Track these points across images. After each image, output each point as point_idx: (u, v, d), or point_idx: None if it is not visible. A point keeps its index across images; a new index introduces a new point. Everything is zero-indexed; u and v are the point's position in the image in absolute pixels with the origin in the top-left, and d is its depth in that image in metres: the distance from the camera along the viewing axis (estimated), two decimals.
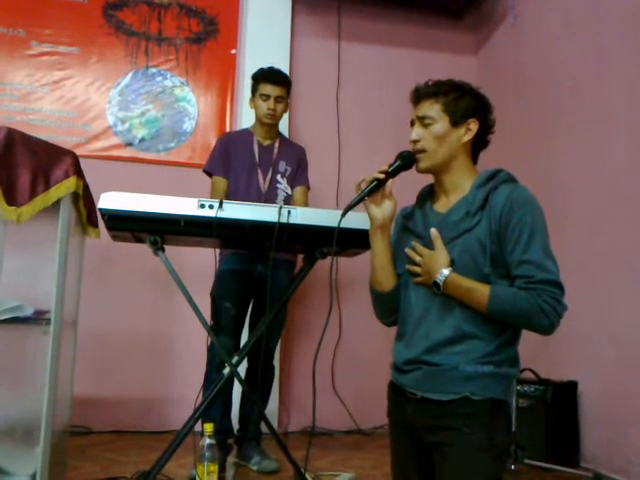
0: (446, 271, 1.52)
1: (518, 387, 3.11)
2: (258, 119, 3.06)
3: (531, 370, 3.13)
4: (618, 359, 2.90)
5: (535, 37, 3.76)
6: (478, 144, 1.67)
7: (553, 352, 3.22)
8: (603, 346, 3.00)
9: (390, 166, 1.63)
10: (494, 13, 4.24)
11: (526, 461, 2.89)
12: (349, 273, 3.66)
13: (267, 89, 2.99)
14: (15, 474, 2.03)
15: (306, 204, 3.08)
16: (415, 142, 1.63)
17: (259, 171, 3.00)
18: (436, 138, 1.61)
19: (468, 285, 1.51)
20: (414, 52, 4.31)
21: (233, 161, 3.00)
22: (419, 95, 1.66)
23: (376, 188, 1.62)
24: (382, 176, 1.62)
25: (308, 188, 3.14)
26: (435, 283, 1.54)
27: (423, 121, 1.62)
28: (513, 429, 2.92)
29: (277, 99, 3.00)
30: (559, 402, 3.05)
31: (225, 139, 3.14)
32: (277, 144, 3.09)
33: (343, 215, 1.65)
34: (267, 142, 3.08)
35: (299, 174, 3.12)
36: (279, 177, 3.04)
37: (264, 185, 2.98)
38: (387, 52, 4.28)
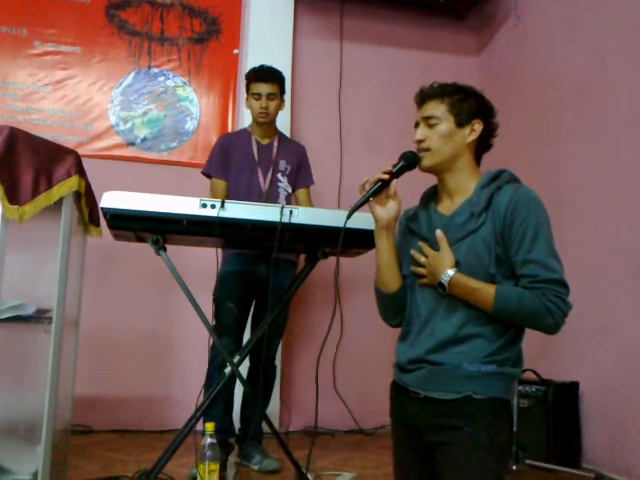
0: (451, 272, 1.53)
1: (519, 387, 3.10)
2: (253, 118, 3.06)
3: (532, 370, 3.13)
4: (619, 359, 2.90)
5: (538, 39, 3.76)
6: (481, 146, 1.68)
7: (554, 352, 3.22)
8: (604, 346, 2.99)
9: (394, 166, 1.64)
10: (497, 14, 4.23)
11: (527, 462, 2.89)
12: (351, 273, 3.65)
13: (257, 87, 2.98)
14: (17, 473, 2.03)
15: (311, 205, 3.09)
16: (420, 142, 1.64)
17: (259, 170, 2.99)
18: (441, 137, 1.61)
19: (473, 285, 1.51)
20: (416, 53, 4.31)
21: (233, 161, 3.00)
22: (424, 96, 1.67)
23: (380, 189, 1.62)
24: (386, 177, 1.62)
25: (312, 183, 3.15)
26: (440, 284, 1.54)
27: (428, 121, 1.63)
28: (514, 429, 2.93)
29: (269, 96, 2.98)
30: (560, 402, 3.05)
31: (223, 140, 3.13)
32: (276, 143, 3.08)
33: (348, 217, 1.64)
34: (266, 141, 3.08)
35: (302, 174, 3.12)
36: (280, 176, 3.03)
37: (265, 184, 2.98)
38: (389, 53, 4.28)
